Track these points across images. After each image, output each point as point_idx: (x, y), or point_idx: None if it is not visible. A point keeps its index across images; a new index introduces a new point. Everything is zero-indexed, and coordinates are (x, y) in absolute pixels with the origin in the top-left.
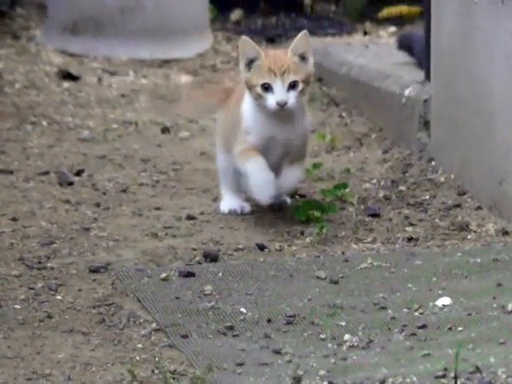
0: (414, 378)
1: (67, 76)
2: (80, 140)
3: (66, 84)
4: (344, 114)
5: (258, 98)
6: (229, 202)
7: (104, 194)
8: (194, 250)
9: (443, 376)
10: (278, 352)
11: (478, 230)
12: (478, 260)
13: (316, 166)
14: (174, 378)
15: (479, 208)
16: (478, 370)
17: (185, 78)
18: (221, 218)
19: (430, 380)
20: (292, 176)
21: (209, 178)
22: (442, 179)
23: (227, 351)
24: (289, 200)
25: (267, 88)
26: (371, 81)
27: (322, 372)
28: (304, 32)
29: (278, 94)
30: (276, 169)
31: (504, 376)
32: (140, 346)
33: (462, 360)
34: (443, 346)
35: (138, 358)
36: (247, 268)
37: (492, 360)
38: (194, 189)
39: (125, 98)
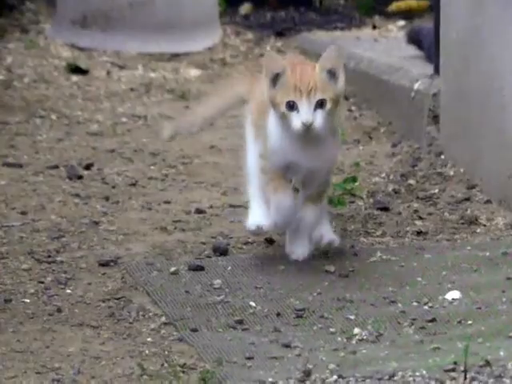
0: (424, 372)
1: (76, 70)
2: (89, 134)
3: (75, 78)
4: (353, 108)
5: (283, 118)
6: (256, 218)
7: (113, 187)
8: (203, 243)
9: (453, 370)
10: (287, 346)
11: (488, 224)
12: (488, 254)
13: None
14: (183, 372)
15: (488, 202)
16: (487, 363)
17: (194, 72)
18: (230, 211)
19: (439, 373)
20: (307, 219)
21: (218, 172)
22: (452, 173)
23: (237, 345)
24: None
25: (292, 106)
26: (380, 74)
27: (331, 366)
28: (333, 46)
29: (304, 114)
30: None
31: None
32: (149, 339)
33: (471, 353)
34: (453, 339)
35: (147, 351)
36: (256, 262)
37: (502, 353)
38: (203, 182)
39: (134, 92)
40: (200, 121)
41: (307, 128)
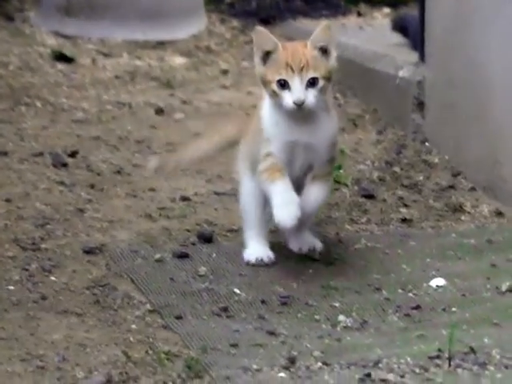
0: (409, 359)
1: (61, 57)
2: (74, 121)
3: (60, 65)
4: (338, 96)
5: (274, 96)
6: (254, 250)
7: (98, 175)
8: (188, 231)
9: (437, 357)
10: (272, 333)
11: (472, 211)
12: (472, 241)
13: None
14: (168, 359)
15: (473, 189)
16: (472, 350)
17: (179, 60)
18: (215, 198)
19: (424, 360)
20: (315, 196)
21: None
22: (436, 160)
23: (221, 332)
24: (319, 246)
25: (284, 85)
26: (365, 62)
27: (316, 353)
28: (325, 22)
29: (296, 92)
30: (300, 186)
31: (498, 356)
32: (134, 326)
33: (456, 341)
34: (437, 326)
35: (132, 338)
36: (241, 249)
37: (486, 341)
38: (188, 170)
39: (119, 80)
40: (187, 162)
41: (299, 106)
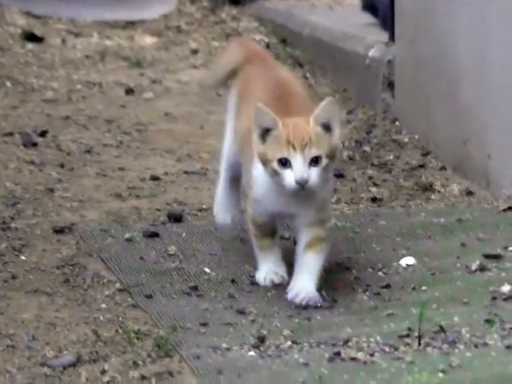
0: (378, 338)
1: (31, 37)
2: (44, 101)
3: (30, 45)
4: (308, 75)
5: (274, 176)
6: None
7: (68, 154)
8: (158, 210)
9: (407, 335)
10: (241, 312)
11: (442, 191)
12: (442, 220)
13: None
14: (137, 338)
15: (443, 168)
16: (441, 329)
17: (149, 39)
18: (185, 178)
19: (393, 339)
20: (310, 268)
21: (172, 139)
22: (406, 140)
23: (191, 311)
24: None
25: (285, 163)
26: (335, 42)
27: (285, 332)
28: (329, 98)
29: (298, 171)
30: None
31: (468, 335)
32: (104, 306)
33: (425, 319)
34: (407, 305)
35: (102, 318)
36: (211, 228)
37: (456, 319)
38: (157, 149)
39: (89, 60)
40: (222, 75)
41: (302, 186)
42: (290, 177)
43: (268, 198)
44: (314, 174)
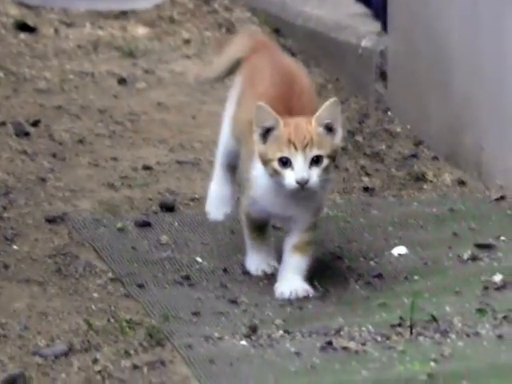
0: (370, 327)
1: (24, 27)
2: (37, 91)
3: (22, 35)
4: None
5: (275, 175)
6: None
7: (60, 144)
8: (150, 199)
9: (399, 325)
10: (233, 301)
11: (434, 180)
12: (434, 210)
13: None
14: (129, 327)
15: (435, 158)
16: (433, 318)
17: (142, 30)
18: (177, 168)
19: (385, 329)
20: (295, 269)
21: (165, 129)
22: (399, 129)
23: (183, 300)
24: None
25: (285, 163)
26: (328, 32)
27: (277, 321)
28: (333, 99)
29: (299, 171)
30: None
31: (460, 325)
32: (96, 295)
33: (417, 309)
34: (399, 295)
35: (94, 307)
36: (203, 218)
37: (447, 309)
38: (150, 139)
39: (81, 50)
40: (218, 73)
41: (302, 186)
42: (290, 176)
43: (266, 200)
44: (314, 174)
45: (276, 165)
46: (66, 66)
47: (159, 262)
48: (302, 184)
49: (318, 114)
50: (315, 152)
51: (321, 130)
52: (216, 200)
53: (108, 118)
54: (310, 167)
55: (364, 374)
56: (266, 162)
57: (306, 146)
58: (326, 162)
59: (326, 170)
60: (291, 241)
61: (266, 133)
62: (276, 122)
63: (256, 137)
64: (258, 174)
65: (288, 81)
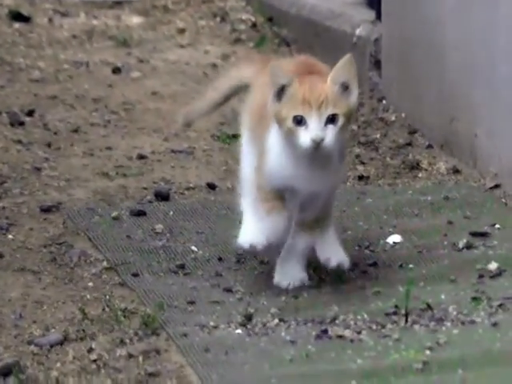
0: (365, 315)
1: (18, 17)
2: (31, 80)
3: (17, 25)
4: (295, 54)
5: (289, 134)
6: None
7: (55, 133)
8: (145, 189)
9: (394, 313)
10: (229, 290)
11: (429, 169)
12: (429, 198)
13: None
14: (124, 316)
15: (430, 146)
16: (428, 307)
17: (136, 19)
18: (172, 157)
19: (381, 317)
20: (297, 248)
21: (160, 118)
22: (393, 118)
23: (178, 289)
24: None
25: (300, 121)
26: (322, 20)
27: (273, 310)
28: (348, 56)
29: (313, 130)
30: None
31: (455, 313)
32: (91, 284)
33: (412, 297)
34: (394, 283)
35: (88, 296)
36: (198, 207)
37: (443, 297)
38: (145, 128)
39: (76, 39)
40: (206, 109)
41: (317, 145)
42: (305, 135)
43: (282, 167)
44: (329, 133)
45: (290, 123)
46: (60, 55)
47: (154, 250)
48: (317, 143)
49: (333, 72)
50: (330, 111)
51: (336, 88)
52: (254, 227)
53: (103, 107)
54: (325, 126)
55: (359, 362)
56: (280, 120)
57: (321, 104)
58: (341, 120)
59: (341, 129)
60: (302, 218)
61: (281, 91)
62: (291, 80)
63: (270, 95)
64: (273, 141)
65: (307, 66)
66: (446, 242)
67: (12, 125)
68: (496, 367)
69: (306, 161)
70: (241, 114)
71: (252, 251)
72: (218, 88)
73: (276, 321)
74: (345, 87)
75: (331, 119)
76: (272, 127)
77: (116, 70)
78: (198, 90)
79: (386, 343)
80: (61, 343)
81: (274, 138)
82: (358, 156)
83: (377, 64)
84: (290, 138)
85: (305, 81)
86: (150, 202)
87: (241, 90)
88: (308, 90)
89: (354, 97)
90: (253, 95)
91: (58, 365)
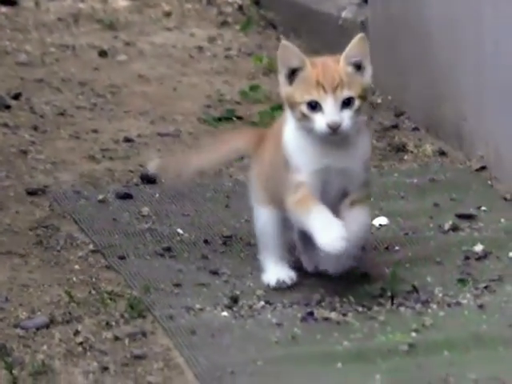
0: (351, 298)
1: (5, 0)
2: (17, 64)
3: (3, 8)
4: (281, 37)
5: (303, 119)
6: (275, 273)
7: (41, 117)
8: (131, 171)
9: (380, 295)
10: (215, 272)
11: (415, 151)
12: (415, 180)
13: (253, 88)
14: (111, 299)
15: (416, 129)
16: (414, 289)
17: (122, 2)
18: (158, 140)
19: (367, 300)
20: (356, 221)
21: (146, 101)
22: (379, 100)
23: (164, 272)
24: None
25: (315, 107)
26: (308, 3)
27: (258, 292)
28: (360, 35)
29: (329, 114)
30: (335, 214)
31: (440, 295)
32: (77, 267)
33: (398, 279)
34: (380, 265)
35: (75, 279)
36: (184, 189)
37: (429, 279)
38: (131, 111)
39: (62, 22)
40: (191, 169)
41: (334, 130)
42: (320, 121)
43: (303, 155)
44: (346, 117)
45: (304, 108)
46: (46, 38)
47: (140, 233)
48: (334, 128)
49: (345, 52)
50: (346, 93)
51: (350, 69)
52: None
53: (89, 90)
54: (341, 110)
55: (345, 344)
56: (292, 105)
57: (336, 87)
58: (357, 103)
59: (357, 111)
60: (347, 201)
61: (292, 74)
62: (302, 63)
63: (281, 78)
64: (288, 135)
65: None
66: (431, 225)
67: None
68: (482, 349)
69: (326, 142)
70: (250, 176)
71: (279, 286)
72: (206, 157)
73: (262, 303)
74: (358, 67)
75: (347, 102)
76: (286, 125)
77: (102, 53)
78: (184, 73)
79: (372, 325)
80: (47, 326)
81: (289, 132)
82: None
83: None
84: (304, 123)
85: (317, 63)
86: (137, 184)
87: (233, 159)
88: (321, 72)
89: (367, 76)
90: (259, 162)
91: (45, 348)
